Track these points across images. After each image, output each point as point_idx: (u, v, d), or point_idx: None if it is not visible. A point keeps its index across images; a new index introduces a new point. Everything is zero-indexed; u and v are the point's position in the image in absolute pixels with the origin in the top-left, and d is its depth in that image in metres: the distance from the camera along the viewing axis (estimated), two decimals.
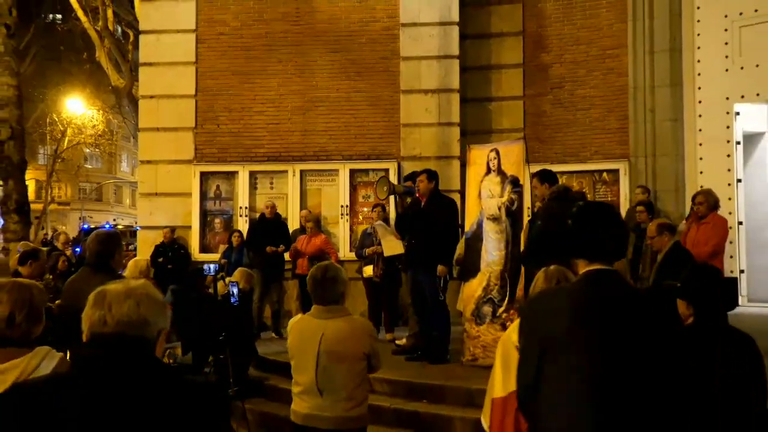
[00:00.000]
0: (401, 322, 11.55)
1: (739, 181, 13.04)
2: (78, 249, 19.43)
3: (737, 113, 13.13)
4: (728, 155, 13.06)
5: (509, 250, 7.95)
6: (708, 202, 8.76)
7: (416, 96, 13.47)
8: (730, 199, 12.95)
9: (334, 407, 4.62)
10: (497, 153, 8.15)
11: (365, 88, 13.57)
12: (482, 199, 8.26)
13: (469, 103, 13.78)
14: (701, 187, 13.07)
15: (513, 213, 7.93)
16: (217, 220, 13.63)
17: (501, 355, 4.51)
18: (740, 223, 12.90)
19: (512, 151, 8.06)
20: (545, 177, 7.64)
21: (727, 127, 13.09)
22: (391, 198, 9.68)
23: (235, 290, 7.24)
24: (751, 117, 13.36)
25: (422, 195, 8.49)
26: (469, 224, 8.43)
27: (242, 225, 13.24)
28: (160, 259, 12.93)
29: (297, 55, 13.66)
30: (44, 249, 11.30)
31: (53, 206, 45.61)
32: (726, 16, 13.18)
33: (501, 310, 7.96)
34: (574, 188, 12.01)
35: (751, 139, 13.58)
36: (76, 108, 38.96)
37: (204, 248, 13.55)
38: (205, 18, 13.83)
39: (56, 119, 39.48)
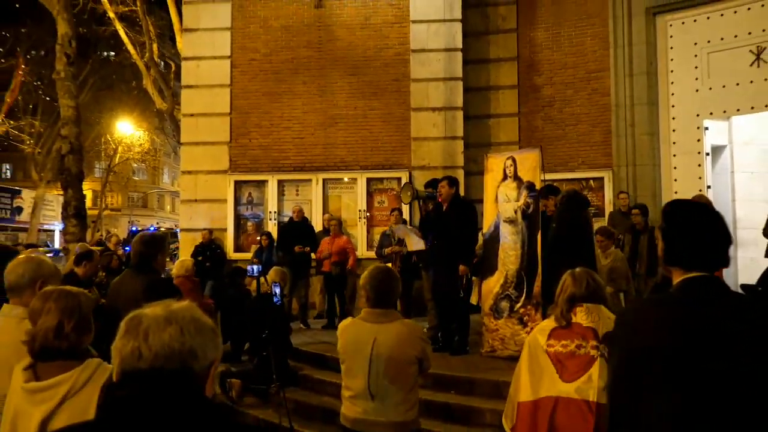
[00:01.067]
0: (413, 314, 10.61)
1: (708, 187, 12.19)
2: (128, 248, 18.52)
3: (706, 128, 12.30)
4: (699, 165, 12.22)
5: (525, 250, 7.02)
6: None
7: (425, 113, 12.55)
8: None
9: (386, 412, 3.67)
10: (514, 161, 7.22)
11: (379, 106, 12.65)
12: (499, 203, 7.34)
13: (471, 119, 12.88)
14: (676, 193, 12.28)
15: (529, 216, 7.00)
16: (249, 223, 12.68)
17: (527, 358, 3.56)
18: None
19: (528, 158, 7.14)
20: (549, 192, 6.76)
21: (698, 141, 12.26)
22: (408, 203, 8.76)
23: (278, 290, 6.29)
24: (715, 132, 12.52)
25: (444, 200, 7.56)
26: (486, 226, 7.50)
27: (271, 228, 12.31)
28: (199, 258, 11.99)
29: (319, 77, 12.75)
30: (98, 249, 10.42)
31: (107, 212, 45.42)
32: (696, 44, 12.34)
33: (518, 305, 7.03)
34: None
35: (715, 151, 12.69)
36: (126, 129, 38.60)
37: (238, 248, 12.60)
38: (239, 46, 12.90)
39: (109, 139, 39.24)
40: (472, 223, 7.51)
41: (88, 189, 44.88)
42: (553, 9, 13.17)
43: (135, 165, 46.76)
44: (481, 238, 7.78)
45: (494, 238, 7.32)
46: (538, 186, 6.93)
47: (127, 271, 4.38)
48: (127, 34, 21.43)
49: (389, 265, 9.48)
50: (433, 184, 8.13)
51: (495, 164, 7.43)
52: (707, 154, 12.29)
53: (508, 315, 7.09)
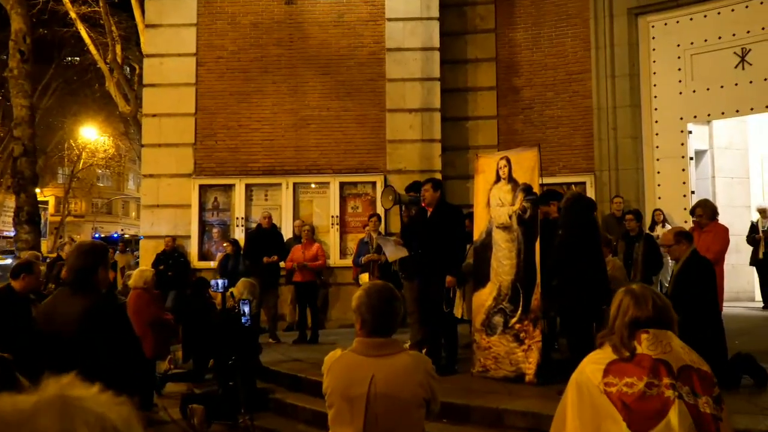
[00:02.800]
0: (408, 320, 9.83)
1: (692, 192, 11.61)
2: None
3: (690, 132, 11.73)
4: (683, 169, 11.65)
5: (521, 259, 6.23)
6: (707, 213, 7.17)
7: (401, 114, 11.76)
8: (685, 209, 11.50)
9: None
10: (508, 161, 6.43)
11: (353, 107, 11.83)
12: (491, 208, 6.54)
13: (448, 121, 12.11)
14: (659, 198, 11.69)
15: (525, 221, 6.21)
16: (214, 230, 11.71)
17: (576, 403, 2.71)
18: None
19: (525, 158, 6.36)
20: (550, 197, 5.99)
21: (681, 144, 11.70)
22: (389, 208, 7.95)
23: (247, 309, 5.38)
24: (696, 136, 11.97)
25: (428, 204, 6.74)
26: (477, 233, 6.68)
27: (239, 234, 11.38)
28: (161, 267, 11.02)
29: (290, 77, 11.87)
30: (52, 257, 9.49)
31: (70, 218, 43.91)
32: (678, 45, 11.78)
33: (513, 320, 6.23)
34: None
35: (696, 156, 12.12)
36: (90, 135, 37.29)
37: (202, 256, 11.63)
38: (205, 43, 11.97)
39: (73, 144, 37.80)
40: (460, 230, 6.71)
41: (51, 195, 43.37)
42: (532, 9, 12.49)
43: (99, 171, 45.16)
44: (469, 246, 6.97)
45: (486, 245, 6.52)
46: (536, 189, 6.15)
47: (61, 290, 3.46)
48: (89, 35, 20.31)
49: (366, 274, 8.67)
50: (415, 187, 7.32)
51: (487, 165, 6.63)
52: (691, 158, 11.72)
53: (503, 331, 6.29)
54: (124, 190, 53.94)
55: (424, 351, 6.92)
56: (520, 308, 6.15)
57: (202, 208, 11.71)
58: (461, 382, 6.29)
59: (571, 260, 5.54)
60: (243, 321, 5.44)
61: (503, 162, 6.43)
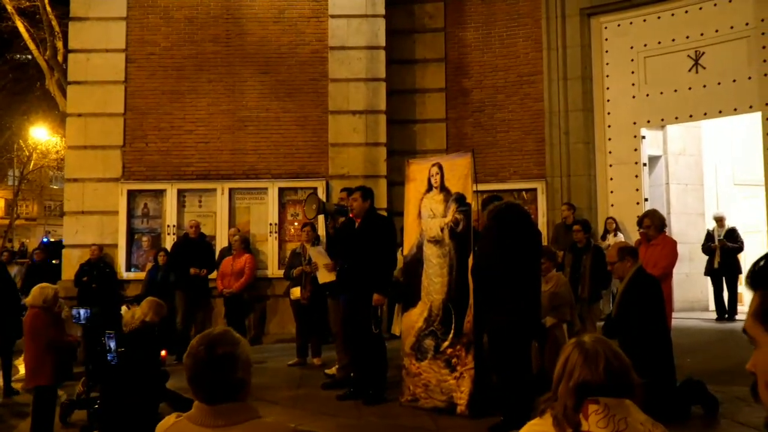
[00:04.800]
0: (331, 339, 9.15)
1: (646, 200, 11.16)
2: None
3: (643, 137, 11.30)
4: (636, 176, 11.21)
5: (452, 277, 5.61)
6: (655, 224, 6.64)
7: (344, 117, 11.09)
8: (638, 216, 11.02)
9: None
10: (440, 168, 5.80)
11: (294, 108, 11.12)
12: (422, 220, 5.90)
13: (394, 124, 11.47)
14: (612, 206, 11.22)
15: (458, 235, 5.58)
16: (144, 239, 10.88)
17: None
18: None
19: (458, 165, 5.73)
20: (489, 204, 5.38)
21: (635, 150, 11.26)
22: (313, 218, 7.28)
23: (113, 345, 4.63)
24: (650, 142, 11.55)
25: (356, 215, 6.08)
26: (408, 247, 6.03)
27: (170, 243, 10.56)
28: (85, 278, 10.20)
29: (227, 75, 11.12)
30: None
31: (20, 221, 42.30)
32: (632, 47, 11.34)
33: (445, 344, 5.60)
34: None
35: (650, 162, 11.69)
36: (41, 135, 35.89)
37: (130, 267, 10.80)
38: (136, 38, 11.16)
39: (23, 145, 36.32)
40: (390, 243, 6.06)
41: (0, 198, 41.82)
42: (483, 8, 11.94)
43: (51, 173, 43.64)
44: (401, 261, 6.32)
45: (417, 261, 5.87)
46: (469, 198, 5.53)
47: None
48: (28, 31, 19.27)
49: (298, 288, 7.99)
50: (351, 192, 6.64)
51: (418, 172, 5.99)
52: (644, 164, 11.28)
53: (434, 356, 5.65)
54: None
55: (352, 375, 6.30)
56: (452, 331, 5.53)
57: (130, 215, 10.88)
58: (387, 414, 5.64)
59: (494, 280, 4.93)
60: (108, 358, 4.69)
61: (435, 169, 5.80)
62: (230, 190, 10.89)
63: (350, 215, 6.18)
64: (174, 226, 10.75)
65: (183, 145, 11.00)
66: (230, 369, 2.14)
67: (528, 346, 5.10)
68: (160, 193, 10.90)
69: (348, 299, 6.10)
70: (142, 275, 10.34)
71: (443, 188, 5.73)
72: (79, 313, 4.90)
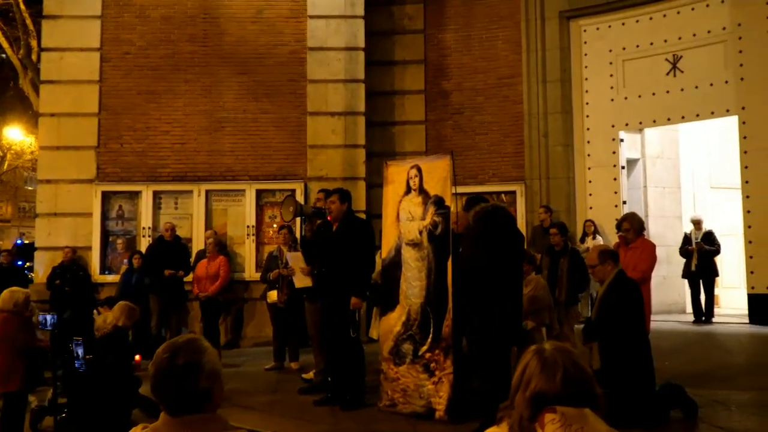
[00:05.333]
0: (309, 343, 9.06)
1: (624, 203, 11.19)
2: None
3: (622, 140, 11.32)
4: (614, 179, 11.22)
5: (431, 281, 5.53)
6: (634, 227, 6.61)
7: (323, 118, 10.99)
8: (617, 219, 11.01)
9: None
10: (419, 170, 5.73)
11: (272, 109, 11.00)
12: (401, 222, 5.82)
13: (374, 126, 11.40)
14: (590, 208, 11.22)
15: (437, 238, 5.50)
16: (119, 241, 10.68)
17: None
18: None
19: (436, 167, 5.66)
20: (471, 205, 5.30)
21: (613, 153, 11.28)
22: (289, 221, 7.17)
23: (80, 351, 4.48)
24: (628, 145, 11.57)
25: (334, 218, 5.99)
26: (386, 250, 5.94)
27: (145, 246, 10.39)
28: (58, 281, 10.00)
29: (204, 75, 10.97)
30: None
31: None
32: (610, 51, 11.37)
33: (424, 349, 5.52)
34: None
35: (628, 165, 11.71)
36: (15, 135, 35.23)
37: (105, 269, 10.61)
38: (111, 37, 10.97)
39: None
40: (368, 246, 5.98)
41: None
42: (462, 10, 11.91)
43: (26, 174, 42.97)
44: (379, 264, 6.24)
45: (395, 264, 5.79)
46: (448, 201, 5.46)
47: None
48: (2, 29, 18.92)
49: (275, 291, 7.88)
50: (329, 194, 6.55)
51: (397, 174, 5.91)
52: (623, 167, 11.31)
53: (412, 360, 5.58)
54: None
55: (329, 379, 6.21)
56: (431, 335, 5.45)
57: (105, 217, 10.70)
58: (365, 419, 5.55)
59: (480, 282, 4.86)
60: (76, 365, 4.54)
61: (414, 171, 5.73)
62: (207, 191, 10.74)
63: (328, 218, 6.09)
64: (149, 228, 10.58)
65: (159, 146, 10.84)
66: (193, 379, 2.02)
67: (509, 350, 5.04)
68: (135, 195, 10.73)
69: (325, 303, 6.01)
70: (116, 278, 10.15)
71: (422, 191, 5.66)
72: (45, 319, 4.73)
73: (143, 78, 10.93)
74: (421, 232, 5.60)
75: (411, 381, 5.55)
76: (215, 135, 10.91)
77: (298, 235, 7.36)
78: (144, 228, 10.61)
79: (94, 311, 7.56)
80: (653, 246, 6.67)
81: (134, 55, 10.96)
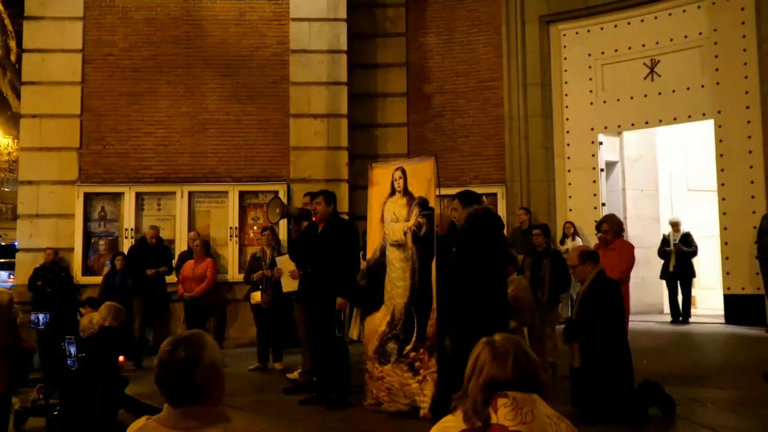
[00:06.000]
0: (295, 343, 9.13)
1: (603, 204, 11.37)
2: None
3: (601, 143, 11.50)
4: (594, 181, 11.41)
5: (415, 281, 5.62)
6: (613, 228, 6.74)
7: (306, 120, 11.05)
8: (596, 221, 11.20)
9: None
10: (403, 172, 5.82)
11: (255, 111, 11.04)
12: (385, 223, 5.91)
13: (356, 128, 11.47)
14: (570, 210, 11.39)
15: (421, 239, 5.59)
16: (101, 242, 10.65)
17: None
18: None
19: (421, 169, 5.75)
20: (467, 200, 5.37)
21: (593, 156, 11.47)
22: (276, 222, 7.23)
23: (73, 349, 4.50)
24: (607, 147, 11.76)
25: (319, 219, 6.06)
26: (371, 251, 6.03)
27: (128, 247, 10.38)
28: (39, 283, 9.96)
29: (187, 77, 10.97)
30: None
31: None
32: (589, 55, 11.55)
33: (408, 348, 5.61)
34: None
35: (607, 168, 11.89)
36: None
37: (87, 271, 10.57)
38: (93, 38, 10.94)
39: None
40: (353, 247, 6.05)
41: None
42: (444, 13, 12.03)
43: (3, 175, 42.50)
44: (363, 265, 6.31)
45: (380, 265, 5.87)
46: (432, 203, 5.55)
47: None
48: None
49: (259, 293, 7.93)
50: (312, 197, 6.63)
51: (381, 176, 6.00)
52: (602, 170, 11.49)
53: (396, 360, 5.66)
54: None
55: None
56: (415, 335, 5.54)
57: (87, 218, 10.65)
58: (350, 418, 5.62)
59: (467, 282, 4.95)
60: (69, 363, 4.57)
61: (398, 173, 5.81)
62: (190, 193, 10.74)
63: (313, 219, 6.15)
64: (132, 229, 10.56)
65: (142, 148, 10.82)
66: (190, 372, 2.10)
67: None
68: (117, 196, 10.70)
69: (311, 303, 6.07)
70: (98, 279, 10.11)
71: (406, 192, 5.75)
72: (38, 318, 4.73)
73: (126, 79, 10.91)
74: (405, 233, 5.68)
75: (396, 380, 5.63)
76: (198, 137, 10.91)
77: (283, 236, 7.42)
78: (127, 229, 10.59)
79: (77, 312, 7.54)
80: (632, 247, 6.81)
81: (117, 56, 10.93)
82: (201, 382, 2.11)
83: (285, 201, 10.49)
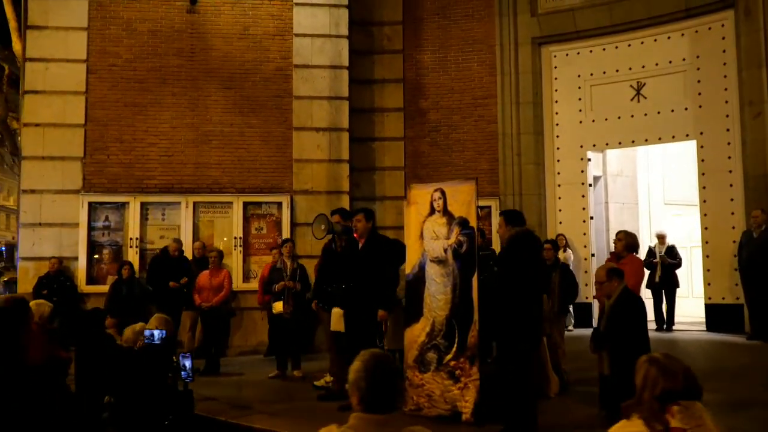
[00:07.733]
0: (309, 349, 9.50)
1: (591, 218, 12.01)
2: None
3: (589, 159, 12.13)
4: (582, 195, 12.04)
5: (456, 294, 6.04)
6: (626, 240, 7.27)
7: (308, 133, 11.38)
8: (585, 234, 11.94)
9: None
10: (443, 193, 6.23)
11: (258, 124, 11.32)
12: (425, 241, 6.31)
13: (354, 142, 11.84)
14: (560, 223, 11.97)
15: (462, 256, 6.01)
16: (105, 251, 10.78)
17: None
18: (593, 255, 11.85)
19: (461, 191, 6.18)
20: (511, 219, 5.82)
21: (581, 171, 12.09)
22: (321, 238, 7.57)
23: (188, 363, 4.73)
24: (591, 162, 12.38)
25: (360, 235, 6.43)
26: (410, 266, 6.43)
27: (132, 256, 10.56)
28: (44, 292, 10.01)
29: (191, 89, 11.19)
30: None
31: None
32: (579, 76, 12.18)
33: (448, 357, 6.01)
34: None
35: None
36: None
37: (91, 280, 10.68)
38: (97, 49, 11.06)
39: None
40: (393, 262, 6.44)
41: None
42: (439, 32, 12.53)
43: None
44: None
45: (419, 279, 6.28)
46: (472, 222, 5.99)
47: None
48: None
49: (280, 302, 8.24)
50: (343, 214, 7.00)
51: (420, 197, 6.40)
52: (590, 185, 12.11)
53: (436, 368, 6.06)
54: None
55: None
56: (456, 345, 5.95)
57: (91, 228, 10.77)
58: (391, 423, 5.98)
59: (509, 298, 5.40)
60: (183, 376, 4.81)
61: (438, 194, 6.22)
62: (194, 203, 10.95)
63: (354, 235, 6.52)
64: (137, 239, 10.72)
65: (146, 158, 10.99)
66: (396, 389, 2.52)
67: (532, 356, 5.58)
68: (122, 206, 10.84)
69: (353, 315, 6.42)
70: (103, 288, 10.24)
71: (446, 212, 6.16)
72: (152, 335, 4.91)
73: (130, 90, 11.06)
74: (446, 250, 6.09)
75: (436, 387, 6.02)
76: (202, 148, 11.13)
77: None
78: (131, 239, 10.74)
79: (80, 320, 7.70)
80: (642, 263, 7.36)
81: (121, 67, 11.08)
82: (398, 389, 2.53)
83: (288, 212, 10.87)
